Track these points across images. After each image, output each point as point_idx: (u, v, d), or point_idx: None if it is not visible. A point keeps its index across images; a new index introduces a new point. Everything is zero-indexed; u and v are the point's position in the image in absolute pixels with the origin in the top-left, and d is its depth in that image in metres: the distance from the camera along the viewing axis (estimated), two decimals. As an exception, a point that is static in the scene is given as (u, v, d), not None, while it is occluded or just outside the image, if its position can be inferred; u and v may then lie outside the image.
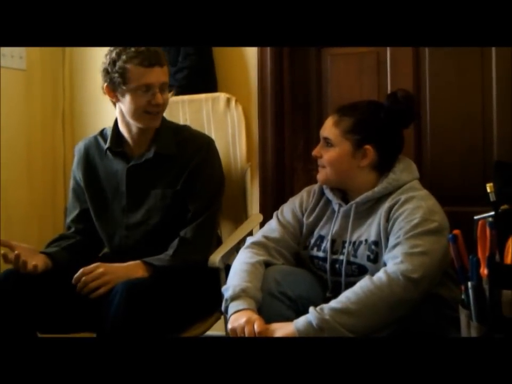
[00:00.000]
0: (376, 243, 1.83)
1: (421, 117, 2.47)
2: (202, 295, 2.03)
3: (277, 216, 2.01)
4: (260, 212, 2.54)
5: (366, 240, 1.85)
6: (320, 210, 1.98)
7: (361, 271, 1.85)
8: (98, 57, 2.10)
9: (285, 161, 2.68)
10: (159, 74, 2.00)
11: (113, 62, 1.98)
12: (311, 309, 1.66)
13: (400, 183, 1.87)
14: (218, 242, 2.20)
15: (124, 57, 1.97)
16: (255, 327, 1.65)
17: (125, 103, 2.02)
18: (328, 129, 1.91)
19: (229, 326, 1.72)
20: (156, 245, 2.03)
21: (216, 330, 2.17)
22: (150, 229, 2.08)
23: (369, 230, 1.85)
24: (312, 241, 1.96)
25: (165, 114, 2.12)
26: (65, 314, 1.97)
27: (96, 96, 2.38)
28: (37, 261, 1.92)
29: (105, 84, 2.03)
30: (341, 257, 1.88)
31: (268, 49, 2.62)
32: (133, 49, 1.97)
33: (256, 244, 1.94)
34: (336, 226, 1.92)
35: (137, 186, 2.10)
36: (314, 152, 1.95)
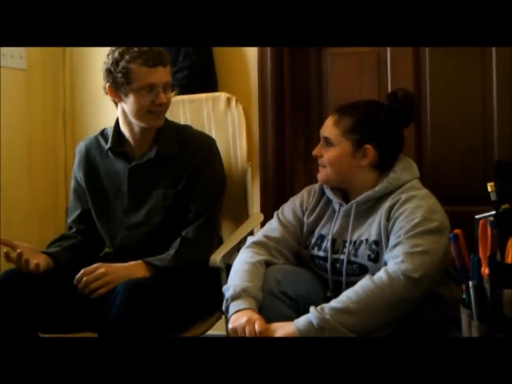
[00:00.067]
0: (377, 242, 1.83)
1: (421, 116, 2.47)
2: (203, 295, 2.03)
3: (278, 216, 2.01)
4: (260, 212, 2.54)
5: (366, 240, 1.85)
6: (320, 209, 1.98)
7: (362, 271, 1.85)
8: (99, 57, 2.10)
9: (286, 161, 2.68)
10: (163, 74, 2.01)
11: (116, 62, 1.98)
12: (312, 308, 1.66)
13: (401, 182, 1.87)
14: (219, 242, 2.20)
15: (127, 57, 1.97)
16: (256, 326, 1.65)
17: (128, 103, 2.02)
18: (328, 128, 1.91)
19: (230, 326, 1.72)
20: (157, 245, 2.04)
21: (217, 330, 2.17)
22: (152, 229, 2.08)
23: (370, 230, 1.85)
24: (313, 240, 1.96)
25: (165, 114, 2.12)
26: (66, 314, 1.98)
27: (97, 96, 2.39)
28: (38, 260, 1.93)
29: (108, 84, 2.02)
30: (342, 256, 1.88)
31: (268, 48, 2.62)
32: (136, 49, 1.97)
33: (256, 244, 1.94)
34: (337, 226, 1.92)
35: (139, 187, 2.10)
36: (315, 152, 1.95)
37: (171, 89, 2.07)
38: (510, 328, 1.41)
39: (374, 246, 1.83)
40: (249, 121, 2.61)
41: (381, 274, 1.69)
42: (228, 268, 1.97)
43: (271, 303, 1.77)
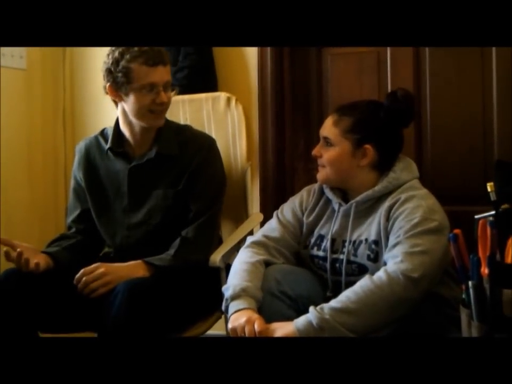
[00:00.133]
0: (376, 242, 1.83)
1: (421, 116, 2.48)
2: (203, 295, 2.03)
3: (277, 216, 2.01)
4: (260, 211, 2.54)
5: (366, 240, 1.85)
6: (320, 209, 1.98)
7: (361, 270, 1.85)
8: (99, 56, 2.10)
9: (285, 161, 2.69)
10: (163, 73, 2.01)
11: (116, 62, 1.98)
12: (311, 308, 1.66)
13: (400, 182, 1.87)
14: (219, 242, 2.21)
15: (127, 56, 1.97)
16: (255, 326, 1.65)
17: (129, 103, 2.02)
18: (328, 128, 1.91)
19: (229, 326, 1.72)
20: (157, 245, 2.04)
21: (216, 330, 2.17)
22: (151, 229, 2.08)
23: (369, 229, 1.85)
24: (312, 240, 1.96)
25: (165, 114, 2.12)
26: (66, 313, 1.98)
27: (97, 95, 2.39)
28: (38, 260, 1.93)
29: (108, 84, 2.02)
30: (341, 256, 1.88)
31: (268, 48, 2.62)
32: (136, 48, 1.97)
33: (256, 243, 1.94)
34: (336, 226, 1.92)
35: (139, 187, 2.10)
36: (314, 152, 1.95)
37: (171, 88, 2.07)
38: (509, 328, 1.41)
39: (373, 246, 1.83)
40: (249, 121, 2.61)
41: (380, 274, 1.69)
42: (228, 267, 1.97)
43: (271, 303, 1.77)
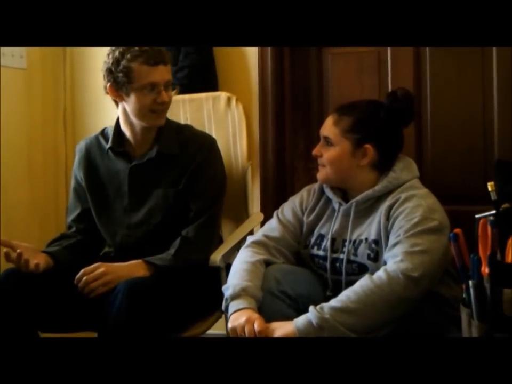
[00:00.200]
0: (377, 242, 1.83)
1: (422, 116, 2.47)
2: (203, 294, 2.03)
3: (277, 215, 2.02)
4: (260, 211, 2.54)
5: (366, 239, 1.85)
6: (320, 209, 1.98)
7: (361, 270, 1.85)
8: (99, 56, 2.10)
9: (286, 160, 2.69)
10: (164, 73, 2.01)
11: (117, 62, 1.98)
12: (311, 308, 1.66)
13: (400, 181, 1.87)
14: (220, 242, 2.21)
15: (128, 56, 1.97)
16: (255, 326, 1.65)
17: (130, 103, 2.02)
18: (328, 128, 1.92)
19: (229, 325, 1.72)
20: (158, 244, 2.04)
21: (217, 329, 2.17)
22: (152, 229, 2.08)
23: (370, 229, 1.85)
24: (313, 240, 1.96)
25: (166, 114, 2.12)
26: (66, 313, 1.97)
27: (98, 95, 2.39)
28: (38, 260, 1.93)
29: (109, 84, 2.02)
30: (341, 256, 1.89)
31: (269, 48, 2.62)
32: (136, 48, 1.97)
33: (256, 243, 1.94)
34: (336, 225, 1.92)
35: (139, 186, 2.10)
36: (315, 151, 1.95)
37: (172, 87, 2.07)
38: (510, 328, 1.42)
39: (373, 245, 1.83)
40: (250, 121, 2.61)
41: (380, 274, 1.70)
42: (228, 267, 1.97)
43: (271, 303, 1.78)
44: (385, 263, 1.76)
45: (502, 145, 2.37)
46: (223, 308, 1.81)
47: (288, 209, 2.01)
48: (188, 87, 2.55)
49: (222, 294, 1.82)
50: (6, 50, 2.62)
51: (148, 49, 1.97)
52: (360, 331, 1.64)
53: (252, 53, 2.66)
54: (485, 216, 1.59)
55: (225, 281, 1.88)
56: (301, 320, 1.65)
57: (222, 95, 2.47)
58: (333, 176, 1.92)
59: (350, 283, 1.76)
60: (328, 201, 1.98)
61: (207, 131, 2.36)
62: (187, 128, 2.20)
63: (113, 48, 2.00)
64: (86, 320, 1.98)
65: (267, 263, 1.89)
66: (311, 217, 1.97)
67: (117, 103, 2.09)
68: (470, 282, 1.49)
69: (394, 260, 1.71)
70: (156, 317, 1.82)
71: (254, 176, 2.59)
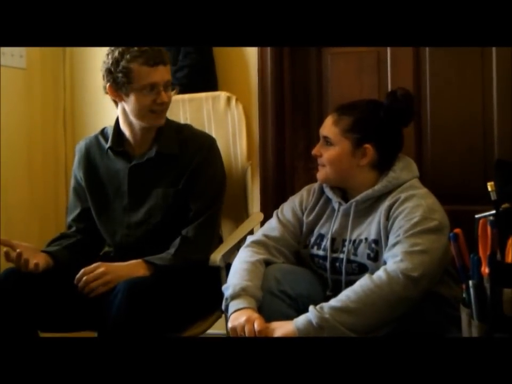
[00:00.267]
0: (376, 241, 1.83)
1: (421, 116, 2.47)
2: (203, 294, 2.03)
3: (277, 215, 2.02)
4: (260, 211, 2.54)
5: (366, 239, 1.85)
6: (320, 208, 1.98)
7: (361, 270, 1.85)
8: (99, 55, 2.10)
9: (286, 160, 2.69)
10: (163, 73, 2.01)
11: (116, 62, 1.98)
12: (311, 307, 1.66)
13: (400, 181, 1.87)
14: (219, 241, 2.21)
15: (127, 56, 1.96)
16: (255, 326, 1.66)
17: (130, 103, 2.02)
18: (328, 128, 1.92)
19: (229, 325, 1.72)
20: (157, 244, 2.04)
21: (217, 329, 2.17)
22: (151, 228, 2.08)
23: (369, 229, 1.85)
24: (312, 239, 1.96)
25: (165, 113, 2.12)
26: (66, 313, 1.97)
27: (97, 95, 2.38)
28: (38, 260, 1.93)
29: (108, 84, 2.02)
30: (341, 255, 1.89)
31: (268, 48, 2.62)
32: (136, 48, 1.96)
33: (256, 243, 1.94)
34: (336, 225, 1.92)
35: (139, 186, 2.10)
36: (314, 151, 1.95)
37: (171, 88, 2.07)
38: (510, 328, 1.42)
39: (373, 245, 1.83)
40: (249, 121, 2.61)
41: (380, 273, 1.70)
42: (228, 267, 1.97)
43: (271, 302, 1.78)
44: (385, 263, 1.76)
45: (501, 145, 2.38)
46: (223, 307, 1.81)
47: (288, 209, 2.01)
48: (188, 86, 2.55)
49: (222, 294, 1.82)
50: (6, 49, 2.62)
51: (148, 49, 1.97)
52: (360, 331, 1.64)
53: (251, 53, 2.66)
54: (485, 216, 1.59)
55: (225, 281, 1.88)
56: (300, 319, 1.65)
57: (222, 94, 2.47)
58: (332, 176, 1.92)
59: (349, 283, 1.76)
60: (328, 201, 1.98)
61: (206, 131, 2.36)
62: (187, 128, 2.20)
63: (113, 48, 2.00)
64: (86, 320, 1.98)
65: (267, 263, 1.89)
66: (311, 217, 1.98)
67: (116, 103, 2.09)
68: (470, 282, 1.49)
69: (394, 260, 1.71)
70: (155, 316, 1.82)
71: (254, 176, 2.59)
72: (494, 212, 1.62)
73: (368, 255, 1.84)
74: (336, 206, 1.94)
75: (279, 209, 2.04)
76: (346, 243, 1.88)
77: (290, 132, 2.68)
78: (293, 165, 2.69)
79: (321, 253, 1.93)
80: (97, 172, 2.16)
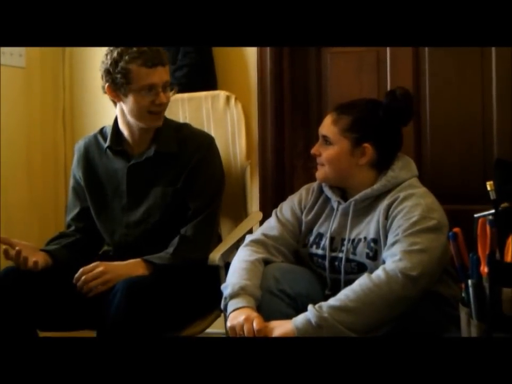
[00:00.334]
0: (375, 241, 1.83)
1: (421, 115, 2.48)
2: (202, 293, 2.03)
3: (276, 214, 2.02)
4: (259, 210, 2.54)
5: (365, 238, 1.85)
6: (319, 208, 1.98)
7: (360, 269, 1.85)
8: (98, 55, 2.09)
9: (285, 159, 2.68)
10: (162, 74, 2.01)
11: (115, 62, 1.98)
12: (310, 306, 1.66)
13: (399, 180, 1.87)
14: (218, 240, 2.21)
15: (126, 57, 1.96)
16: (254, 325, 1.66)
17: (128, 103, 2.02)
18: (327, 127, 1.92)
19: (228, 324, 1.72)
20: (156, 243, 2.04)
21: (215, 328, 2.18)
22: (150, 227, 2.08)
23: (368, 228, 1.85)
24: (311, 239, 1.96)
25: (165, 113, 2.12)
26: (65, 312, 1.97)
27: (97, 94, 2.37)
28: (37, 258, 1.93)
29: (107, 84, 2.02)
30: (340, 254, 1.89)
31: (268, 47, 2.62)
32: (135, 49, 1.96)
33: (255, 242, 1.94)
34: (335, 224, 1.92)
35: (138, 185, 2.10)
36: (313, 150, 1.95)
37: (170, 88, 2.07)
38: (509, 327, 1.42)
39: (372, 244, 1.83)
40: (249, 120, 2.60)
41: (379, 273, 1.70)
42: (227, 266, 1.97)
43: (270, 301, 1.78)
44: (384, 262, 1.76)
45: (501, 145, 2.38)
46: (222, 306, 1.81)
47: (287, 208, 2.01)
48: (187, 86, 2.54)
49: (221, 293, 1.82)
50: (5, 48, 2.62)
51: (146, 50, 1.97)
52: (359, 330, 1.64)
53: (251, 52, 2.65)
54: (484, 216, 1.59)
55: (224, 280, 1.88)
56: (299, 319, 1.65)
57: (221, 94, 2.47)
58: (331, 175, 1.92)
59: (348, 282, 1.76)
60: (327, 200, 1.98)
61: (206, 130, 2.36)
62: (185, 127, 2.20)
63: (111, 48, 2.00)
64: (85, 319, 1.98)
65: (266, 262, 1.89)
66: (309, 216, 1.98)
67: (115, 103, 2.09)
68: (469, 282, 1.49)
69: (393, 259, 1.72)
70: (154, 315, 1.82)
71: (253, 175, 2.59)
72: (493, 211, 1.62)
73: (367, 254, 1.84)
74: (335, 205, 1.94)
75: (278, 209, 2.04)
76: (345, 242, 1.88)
77: (289, 131, 2.68)
78: (292, 164, 2.69)
79: (320, 252, 1.93)
80: (96, 171, 2.16)
